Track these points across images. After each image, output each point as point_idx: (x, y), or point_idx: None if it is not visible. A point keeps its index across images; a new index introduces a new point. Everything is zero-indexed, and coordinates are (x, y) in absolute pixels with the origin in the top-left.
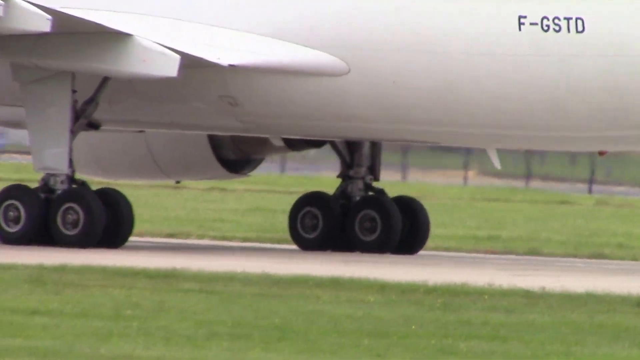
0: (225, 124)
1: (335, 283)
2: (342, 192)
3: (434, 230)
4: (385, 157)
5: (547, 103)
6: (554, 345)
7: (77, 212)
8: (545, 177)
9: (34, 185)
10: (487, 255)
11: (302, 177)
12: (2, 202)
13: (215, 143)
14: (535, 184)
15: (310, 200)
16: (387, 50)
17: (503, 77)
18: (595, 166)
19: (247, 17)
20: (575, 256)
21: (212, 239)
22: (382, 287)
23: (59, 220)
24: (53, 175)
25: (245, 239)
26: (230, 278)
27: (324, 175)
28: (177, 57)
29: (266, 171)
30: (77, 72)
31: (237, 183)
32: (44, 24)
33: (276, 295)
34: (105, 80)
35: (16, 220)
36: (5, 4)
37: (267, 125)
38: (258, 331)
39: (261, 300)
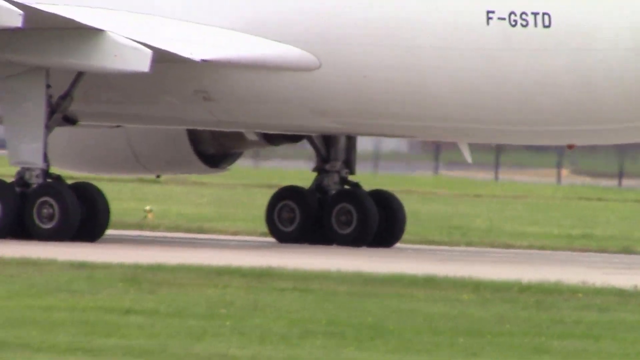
0: (200, 118)
1: (429, 282)
2: (317, 185)
3: (528, 228)
4: (476, 157)
5: (516, 97)
6: None
7: (52, 206)
8: (638, 176)
9: (9, 179)
10: (581, 254)
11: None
12: None
13: (194, 137)
14: (628, 182)
15: (287, 194)
16: (358, 45)
17: (472, 72)
18: None
19: (219, 12)
20: None
21: None
22: (476, 286)
23: (34, 214)
24: (28, 169)
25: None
26: (324, 277)
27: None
28: (149, 52)
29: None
30: (50, 67)
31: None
32: (15, 19)
33: (370, 294)
34: (80, 75)
35: None
36: None
37: (240, 120)
38: (352, 330)
39: (355, 298)
